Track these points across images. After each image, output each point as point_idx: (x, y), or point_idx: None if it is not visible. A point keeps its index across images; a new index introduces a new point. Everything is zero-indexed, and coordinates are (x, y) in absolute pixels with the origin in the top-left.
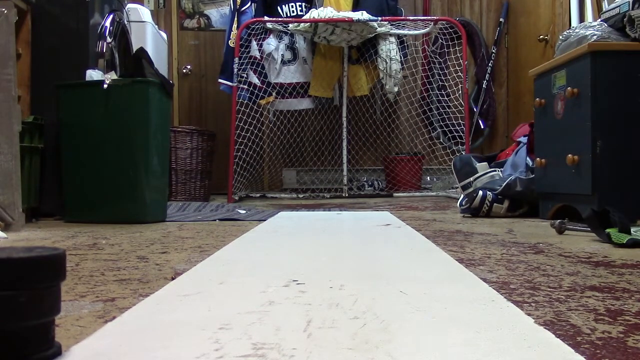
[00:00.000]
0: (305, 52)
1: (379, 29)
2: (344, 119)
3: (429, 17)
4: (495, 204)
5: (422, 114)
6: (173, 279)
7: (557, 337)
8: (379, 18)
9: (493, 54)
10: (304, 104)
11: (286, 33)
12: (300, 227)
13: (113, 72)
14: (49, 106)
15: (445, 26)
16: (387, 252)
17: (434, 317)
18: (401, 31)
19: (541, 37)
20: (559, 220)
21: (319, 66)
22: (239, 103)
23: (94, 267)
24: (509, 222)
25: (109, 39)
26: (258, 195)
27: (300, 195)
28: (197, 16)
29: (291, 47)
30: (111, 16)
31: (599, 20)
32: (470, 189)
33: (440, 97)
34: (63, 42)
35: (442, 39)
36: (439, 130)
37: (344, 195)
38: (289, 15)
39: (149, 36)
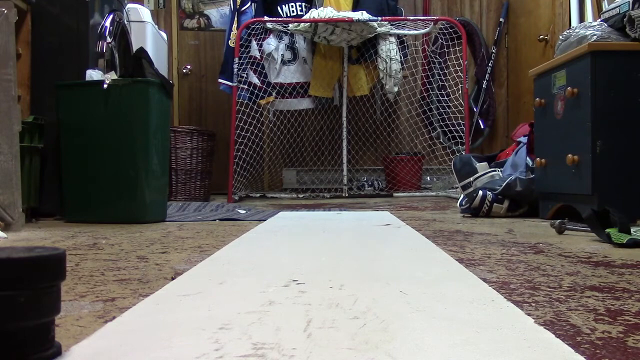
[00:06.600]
0: (305, 52)
1: (379, 29)
2: (344, 119)
3: (429, 17)
4: (495, 204)
5: (422, 114)
6: (173, 279)
7: (557, 337)
8: (379, 18)
9: (493, 54)
10: (304, 104)
11: (286, 33)
12: (300, 227)
13: (113, 72)
14: (49, 106)
15: (445, 26)
16: (387, 252)
17: (434, 317)
18: (401, 31)
19: (541, 37)
20: (559, 220)
21: (319, 66)
22: (239, 103)
23: (94, 267)
24: (509, 222)
25: (109, 39)
26: (258, 195)
27: (300, 195)
28: (197, 16)
29: (291, 47)
30: (111, 16)
31: (599, 20)
32: (470, 189)
33: (440, 97)
34: (63, 42)
35: (442, 39)
36: (439, 130)
37: (344, 195)
38: (289, 15)
39: (149, 36)
